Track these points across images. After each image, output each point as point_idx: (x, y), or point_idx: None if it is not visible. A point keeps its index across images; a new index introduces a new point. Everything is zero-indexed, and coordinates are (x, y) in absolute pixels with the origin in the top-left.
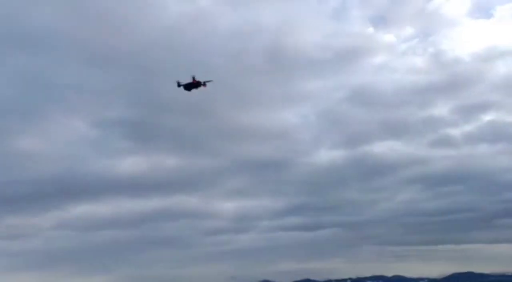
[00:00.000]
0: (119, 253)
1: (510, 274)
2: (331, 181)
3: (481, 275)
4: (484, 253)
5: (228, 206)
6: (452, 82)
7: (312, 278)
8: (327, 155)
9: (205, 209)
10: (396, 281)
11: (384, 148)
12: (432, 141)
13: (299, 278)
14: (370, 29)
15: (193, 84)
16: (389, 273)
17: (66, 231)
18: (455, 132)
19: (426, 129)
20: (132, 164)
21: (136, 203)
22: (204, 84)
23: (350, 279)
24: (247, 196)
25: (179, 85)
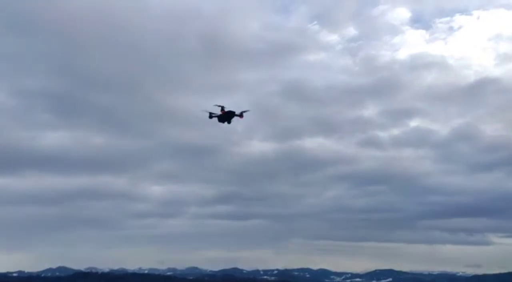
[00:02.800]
0: (41, 230)
1: (426, 272)
2: (261, 173)
3: (400, 272)
4: (404, 252)
5: (157, 190)
6: (382, 86)
7: (240, 267)
8: (258, 147)
9: (133, 191)
10: (321, 274)
11: (314, 144)
12: (360, 140)
13: (227, 267)
14: (316, 27)
15: (225, 115)
16: (315, 266)
17: None
18: (382, 134)
19: (355, 129)
20: (55, 138)
21: (60, 180)
22: (241, 115)
23: (277, 270)
24: (176, 181)
25: (210, 116)
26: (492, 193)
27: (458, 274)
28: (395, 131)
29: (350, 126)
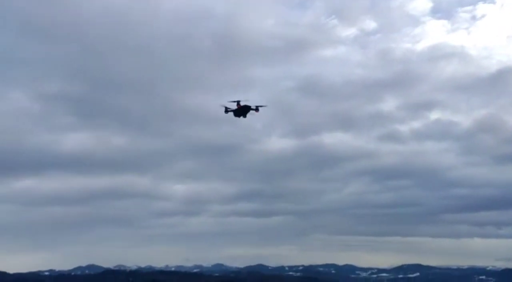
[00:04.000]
0: (69, 229)
1: (455, 267)
2: (281, 169)
3: (428, 267)
4: (431, 246)
5: (179, 189)
6: (401, 79)
7: (265, 263)
8: (277, 144)
9: (155, 190)
10: (347, 270)
11: (333, 139)
12: (380, 135)
13: (252, 263)
14: (334, 21)
15: (241, 109)
16: (340, 262)
17: (8, 206)
18: (402, 128)
19: (374, 123)
20: (76, 140)
21: (83, 180)
22: (257, 109)
23: (302, 266)
24: (198, 179)
25: (226, 111)
26: None
27: (488, 268)
28: (416, 124)
29: (369, 121)
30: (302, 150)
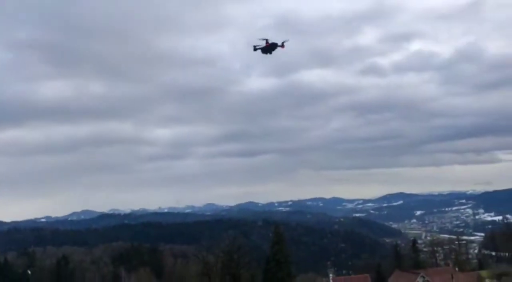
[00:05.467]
0: (59, 177)
1: (436, 193)
2: (264, 109)
3: (410, 195)
4: (413, 175)
5: (163, 133)
6: (380, 10)
7: (255, 201)
8: (257, 84)
9: (140, 136)
10: (334, 202)
11: (313, 76)
12: (360, 69)
13: (242, 201)
14: None
15: (269, 47)
16: (328, 195)
17: None
18: (383, 61)
19: (354, 58)
20: (54, 89)
21: (66, 129)
22: (282, 45)
23: (291, 201)
24: (181, 123)
25: (255, 49)
26: (499, 111)
27: (468, 193)
28: (396, 56)
29: (349, 56)
30: (283, 89)
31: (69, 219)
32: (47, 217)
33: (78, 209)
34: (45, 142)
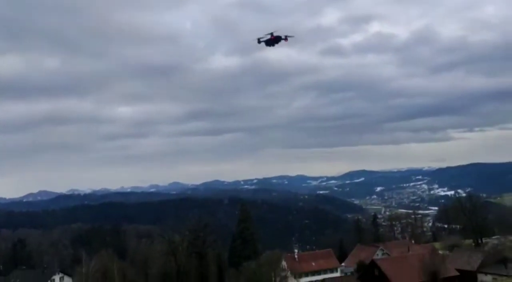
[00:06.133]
0: (14, 157)
1: (395, 170)
2: (228, 88)
3: (372, 172)
4: (374, 153)
5: (124, 111)
6: None
7: (221, 179)
8: (222, 62)
9: (99, 114)
10: (299, 180)
11: (278, 55)
12: (323, 49)
13: (208, 179)
14: None
15: (273, 40)
16: (292, 173)
17: None
18: (344, 41)
19: (316, 38)
20: (6, 64)
21: (20, 107)
22: (286, 38)
23: (256, 179)
24: (143, 101)
25: (259, 41)
26: (452, 92)
27: (424, 169)
28: (357, 37)
29: (311, 36)
30: (247, 67)
31: (25, 200)
32: (0, 199)
33: (34, 189)
34: None
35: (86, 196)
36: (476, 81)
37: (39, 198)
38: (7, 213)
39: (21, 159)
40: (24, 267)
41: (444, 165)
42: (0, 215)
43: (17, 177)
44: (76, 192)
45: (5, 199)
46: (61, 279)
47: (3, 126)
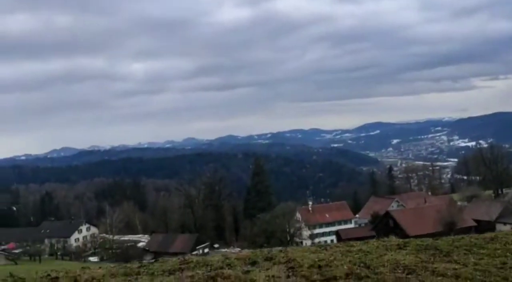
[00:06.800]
0: (34, 115)
1: (413, 121)
2: (238, 41)
3: (388, 124)
4: (391, 105)
5: (137, 68)
6: None
7: (234, 134)
8: (230, 14)
9: (113, 71)
10: (313, 133)
11: (287, 5)
12: None
13: (222, 135)
14: None
15: None
16: (306, 127)
17: None
18: None
19: None
20: (17, 22)
21: (35, 65)
22: None
23: (270, 133)
24: (155, 57)
25: None
26: (475, 37)
27: (444, 120)
28: None
29: None
30: (256, 19)
31: (49, 156)
32: (26, 155)
33: (57, 146)
34: (15, 79)
35: (106, 152)
36: (502, 25)
37: (62, 154)
38: (33, 168)
39: (42, 117)
40: (53, 218)
41: (465, 115)
42: (26, 170)
43: (40, 134)
44: (96, 148)
45: (30, 155)
46: (88, 229)
47: (22, 85)
